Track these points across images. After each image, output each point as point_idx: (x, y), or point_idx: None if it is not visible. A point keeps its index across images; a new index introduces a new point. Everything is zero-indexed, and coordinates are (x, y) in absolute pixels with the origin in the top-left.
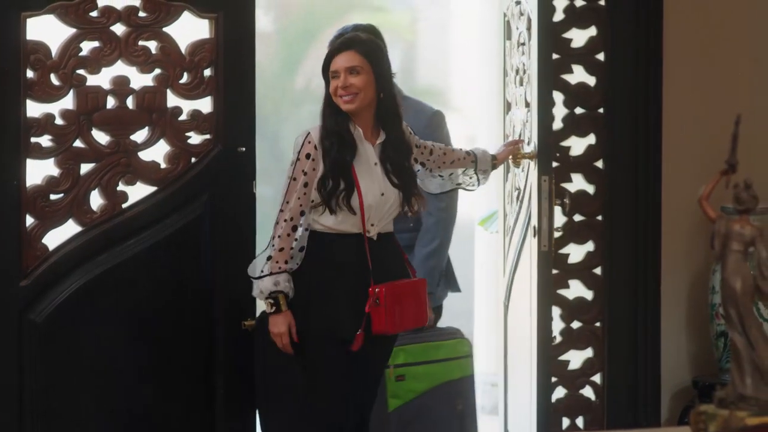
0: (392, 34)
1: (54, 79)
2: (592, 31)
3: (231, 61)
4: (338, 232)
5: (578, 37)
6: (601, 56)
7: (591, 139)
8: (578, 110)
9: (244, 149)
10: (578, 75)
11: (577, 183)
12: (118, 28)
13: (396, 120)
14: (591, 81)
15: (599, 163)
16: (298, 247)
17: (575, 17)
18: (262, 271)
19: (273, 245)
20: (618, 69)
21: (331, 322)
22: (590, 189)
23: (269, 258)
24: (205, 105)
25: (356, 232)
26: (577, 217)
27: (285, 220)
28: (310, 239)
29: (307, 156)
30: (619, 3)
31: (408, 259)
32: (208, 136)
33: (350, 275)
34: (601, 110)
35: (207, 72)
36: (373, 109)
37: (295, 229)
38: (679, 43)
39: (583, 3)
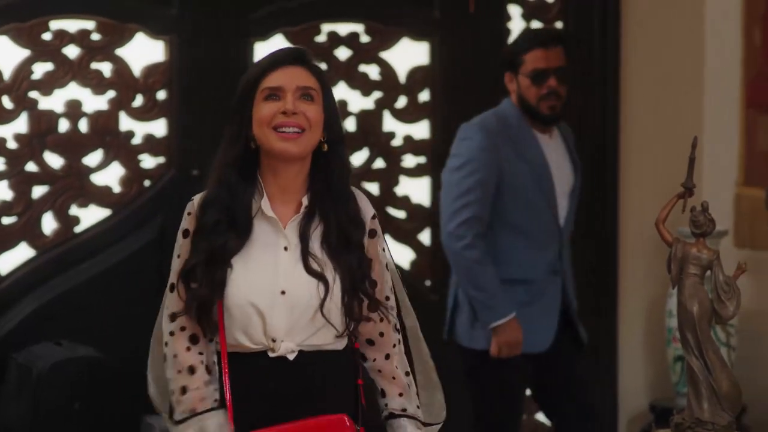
0: None
1: (6, 102)
2: None
3: (185, 84)
4: (232, 350)
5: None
6: None
7: None
8: None
9: (197, 172)
10: None
11: None
12: (72, 50)
13: (344, 189)
14: None
15: None
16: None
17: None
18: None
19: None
20: (576, 92)
21: None
22: None
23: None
24: (159, 128)
25: (255, 348)
26: None
27: (174, 332)
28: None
29: (185, 233)
30: (576, 26)
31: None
32: (161, 160)
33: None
34: None
35: (161, 94)
36: (306, 165)
37: (195, 340)
38: (636, 67)
39: (541, 26)
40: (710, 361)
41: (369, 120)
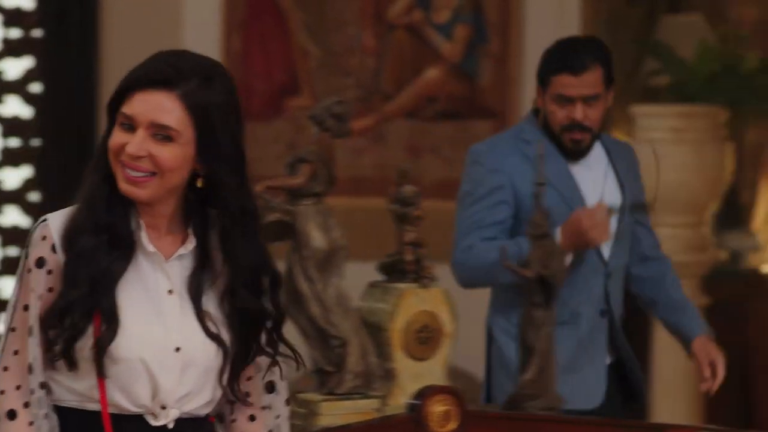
0: None
1: None
2: (30, 61)
3: None
4: (96, 410)
5: (15, 67)
6: (38, 87)
7: (27, 171)
8: (13, 142)
9: None
10: (14, 106)
11: (12, 216)
12: None
13: (246, 228)
14: (28, 112)
15: (35, 195)
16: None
17: (10, 48)
18: None
19: None
20: (56, 100)
21: None
22: (26, 222)
23: None
24: None
25: (134, 411)
26: (12, 251)
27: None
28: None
29: (40, 262)
30: (55, 34)
31: None
32: None
33: None
34: (38, 141)
35: None
36: (177, 198)
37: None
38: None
39: (20, 34)
40: None
41: None
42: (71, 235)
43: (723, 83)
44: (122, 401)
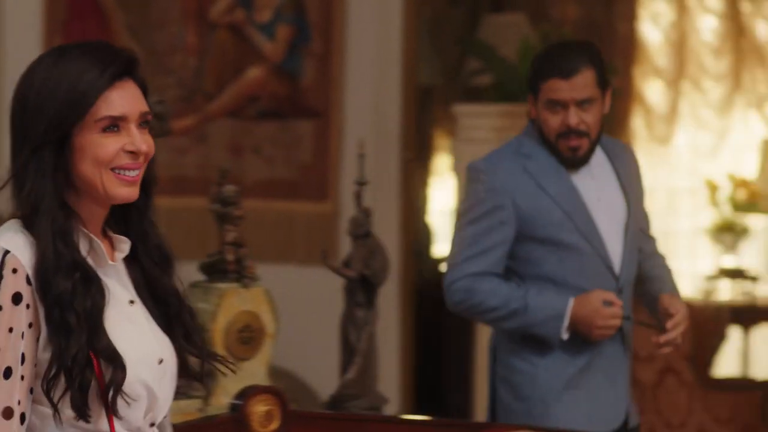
0: None
1: None
2: None
3: None
4: None
5: None
6: None
7: None
8: None
9: None
10: None
11: None
12: None
13: (149, 202)
14: None
15: None
16: None
17: None
18: None
19: None
20: None
21: None
22: None
23: None
24: None
25: None
26: None
27: None
28: None
29: (17, 299)
30: None
31: None
32: None
33: None
34: None
35: None
36: None
37: None
38: None
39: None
40: None
41: None
42: (46, 276)
43: None
44: (118, 427)
